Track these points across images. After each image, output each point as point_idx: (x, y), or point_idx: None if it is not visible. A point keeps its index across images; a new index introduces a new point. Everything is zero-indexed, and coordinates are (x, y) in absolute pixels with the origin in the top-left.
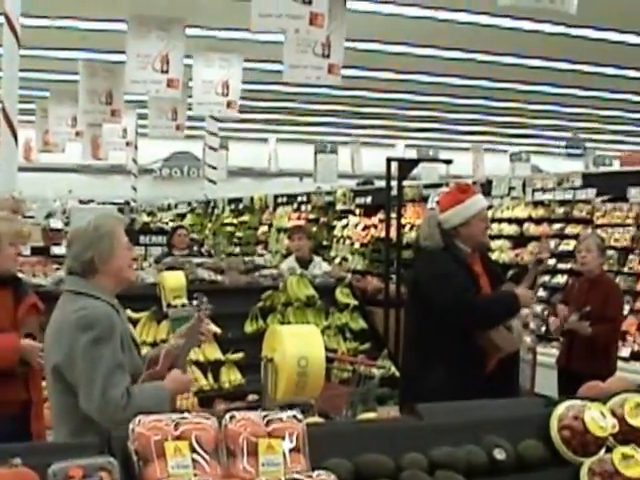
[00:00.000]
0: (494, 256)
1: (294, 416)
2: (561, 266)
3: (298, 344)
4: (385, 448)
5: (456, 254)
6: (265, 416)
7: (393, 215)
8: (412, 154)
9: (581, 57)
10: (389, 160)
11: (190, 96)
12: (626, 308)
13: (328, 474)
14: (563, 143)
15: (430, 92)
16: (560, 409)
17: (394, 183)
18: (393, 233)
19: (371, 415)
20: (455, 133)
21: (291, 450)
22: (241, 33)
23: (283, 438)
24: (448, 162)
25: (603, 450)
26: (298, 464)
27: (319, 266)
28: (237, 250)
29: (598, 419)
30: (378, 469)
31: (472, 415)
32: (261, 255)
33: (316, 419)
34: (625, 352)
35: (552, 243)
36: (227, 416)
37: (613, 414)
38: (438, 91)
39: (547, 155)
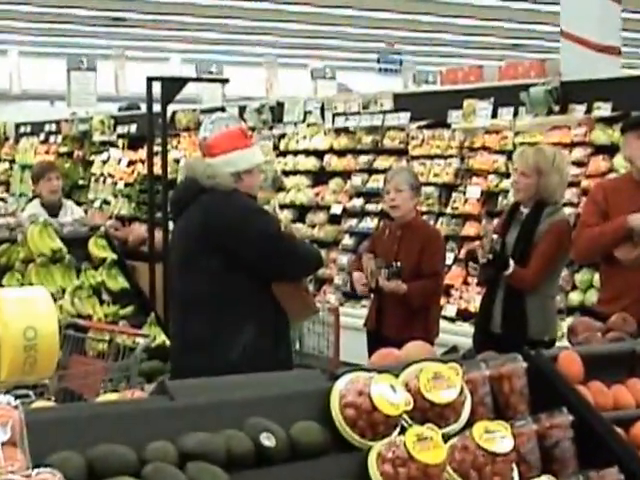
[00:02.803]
0: (289, 196)
1: (8, 402)
2: (369, 207)
3: (22, 311)
4: (127, 437)
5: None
6: None
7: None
8: (191, 70)
9: None
10: (150, 79)
11: None
12: (450, 257)
13: (53, 472)
14: (375, 56)
15: None
16: (342, 383)
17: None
18: (161, 170)
19: (113, 396)
20: (245, 44)
21: (5, 444)
22: None
23: None
24: (224, 81)
25: (396, 431)
26: (15, 461)
27: (71, 211)
28: None
29: (388, 394)
30: (116, 463)
31: (234, 393)
32: (2, 200)
33: (50, 404)
34: (450, 310)
35: (356, 179)
36: None
37: (407, 387)
38: None
39: (357, 71)
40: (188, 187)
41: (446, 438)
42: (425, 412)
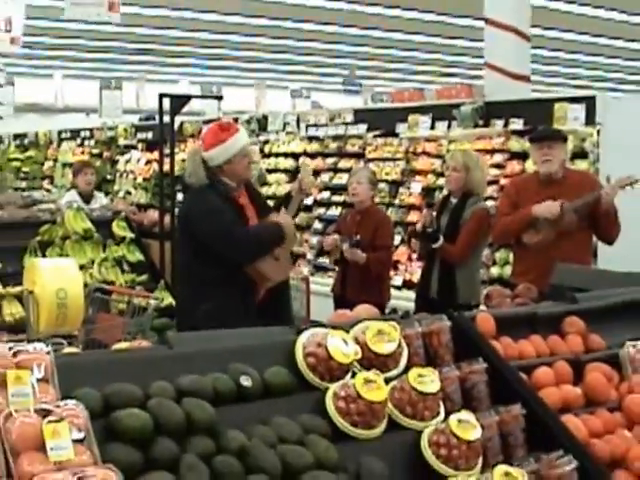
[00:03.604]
0: (271, 189)
1: (42, 348)
2: (335, 198)
3: (56, 277)
4: (135, 377)
5: (220, 189)
6: (12, 348)
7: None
8: (197, 90)
9: None
10: (161, 96)
11: None
12: (398, 239)
13: (77, 403)
14: (341, 79)
15: (210, 30)
16: (304, 337)
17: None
18: (169, 168)
19: (124, 345)
20: (240, 70)
21: (39, 380)
22: None
23: (31, 369)
24: (219, 98)
25: (349, 376)
26: (47, 394)
27: (100, 201)
28: (24, 184)
29: (340, 346)
30: (126, 398)
31: (220, 344)
32: (48, 190)
33: (76, 351)
34: (398, 281)
35: (324, 176)
36: None
37: (357, 341)
38: (218, 29)
39: (327, 92)
40: (182, 183)
41: (387, 381)
42: (371, 361)
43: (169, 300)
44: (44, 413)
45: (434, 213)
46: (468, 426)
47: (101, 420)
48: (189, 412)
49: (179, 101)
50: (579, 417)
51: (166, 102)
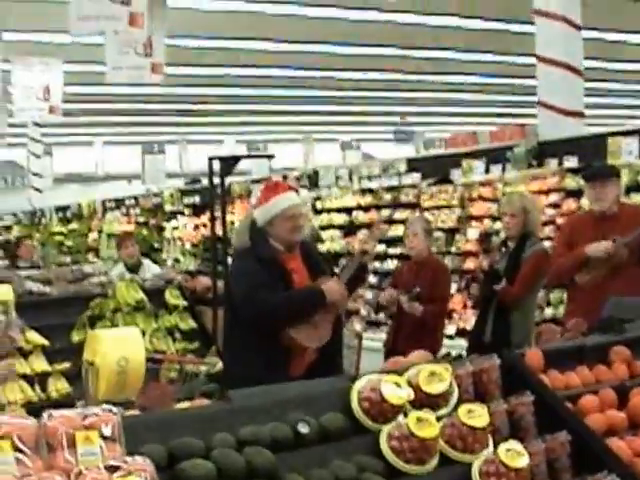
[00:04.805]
0: (325, 246)
1: (109, 410)
2: (391, 251)
3: (118, 346)
4: (197, 431)
5: (261, 252)
6: (81, 412)
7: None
8: (242, 149)
9: (403, 42)
10: (210, 159)
11: (10, 102)
12: (454, 287)
13: (144, 458)
14: (392, 128)
15: (253, 85)
16: (360, 383)
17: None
18: (221, 231)
19: (185, 404)
20: (286, 124)
21: (107, 439)
22: (60, 36)
23: (99, 429)
24: (270, 157)
25: (401, 416)
26: (115, 452)
27: (148, 269)
28: (68, 259)
29: (394, 389)
30: (190, 450)
31: (277, 396)
32: (92, 262)
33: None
34: (451, 329)
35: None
36: (45, 414)
37: (410, 384)
38: (261, 83)
39: (377, 142)
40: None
41: (439, 419)
42: (422, 401)
43: (219, 366)
44: (113, 469)
45: (497, 256)
46: (516, 454)
47: (167, 472)
48: (249, 459)
49: (228, 163)
50: (623, 439)
51: (215, 164)
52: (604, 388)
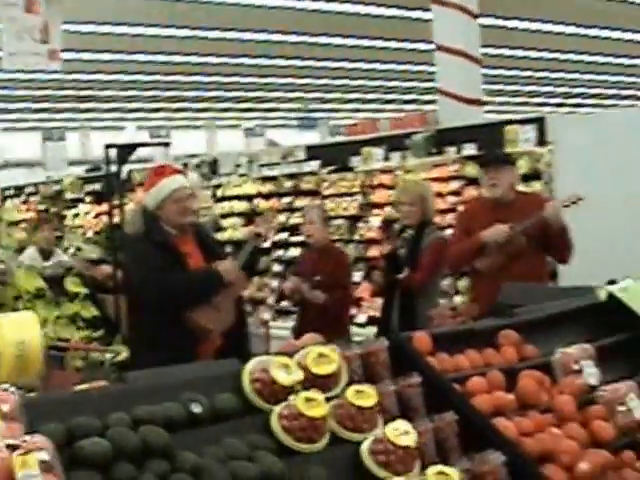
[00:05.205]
0: (226, 234)
1: (6, 389)
2: (293, 239)
3: (15, 329)
4: (94, 411)
5: (155, 237)
6: None
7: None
8: (145, 136)
9: (307, 29)
10: (107, 147)
11: None
12: (359, 275)
13: (43, 437)
14: (297, 115)
15: (155, 72)
16: (251, 364)
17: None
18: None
19: (84, 386)
20: (189, 111)
21: (6, 417)
22: None
23: None
24: (166, 145)
25: (291, 397)
26: (15, 431)
27: (60, 257)
28: None
29: (283, 370)
30: (88, 429)
31: (172, 377)
32: None
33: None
34: (362, 318)
35: (280, 217)
36: None
37: (300, 365)
38: (163, 70)
39: (282, 128)
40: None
41: (330, 400)
42: (313, 382)
43: (125, 354)
44: (13, 448)
45: (397, 243)
46: (404, 433)
47: (66, 450)
48: (144, 438)
49: (126, 151)
50: (511, 420)
51: (112, 152)
52: (492, 370)
